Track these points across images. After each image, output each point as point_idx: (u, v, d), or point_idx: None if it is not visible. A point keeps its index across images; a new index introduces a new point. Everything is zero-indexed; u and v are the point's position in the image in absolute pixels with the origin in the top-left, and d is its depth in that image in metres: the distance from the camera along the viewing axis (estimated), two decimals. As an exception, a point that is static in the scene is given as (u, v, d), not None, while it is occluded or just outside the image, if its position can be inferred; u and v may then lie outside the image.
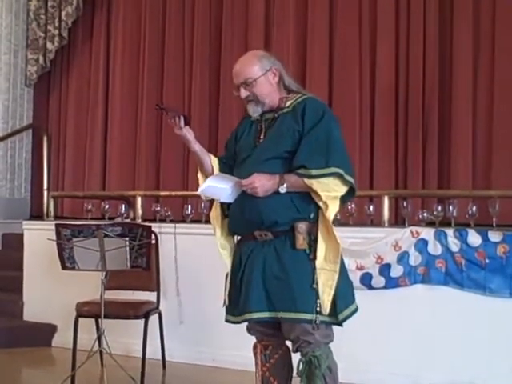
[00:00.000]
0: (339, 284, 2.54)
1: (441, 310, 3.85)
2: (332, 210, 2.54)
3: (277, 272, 2.54)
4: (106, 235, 3.74)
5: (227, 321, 2.71)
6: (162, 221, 5.00)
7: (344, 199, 2.60)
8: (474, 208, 4.04)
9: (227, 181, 2.59)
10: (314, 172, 2.50)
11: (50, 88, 6.36)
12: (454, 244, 3.82)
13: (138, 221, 4.92)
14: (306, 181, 2.50)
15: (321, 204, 2.53)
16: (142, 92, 5.81)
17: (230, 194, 2.59)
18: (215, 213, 2.74)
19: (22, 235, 5.39)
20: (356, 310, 2.61)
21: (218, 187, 2.59)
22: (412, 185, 4.69)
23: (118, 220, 5.07)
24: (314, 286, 2.51)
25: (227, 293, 2.70)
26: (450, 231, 3.87)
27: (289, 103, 2.65)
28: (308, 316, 2.50)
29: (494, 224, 3.93)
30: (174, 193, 5.28)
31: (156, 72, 5.77)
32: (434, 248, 3.87)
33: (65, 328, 4.74)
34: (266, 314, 2.56)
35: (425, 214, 4.19)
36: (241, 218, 2.59)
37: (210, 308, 4.53)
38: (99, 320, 3.96)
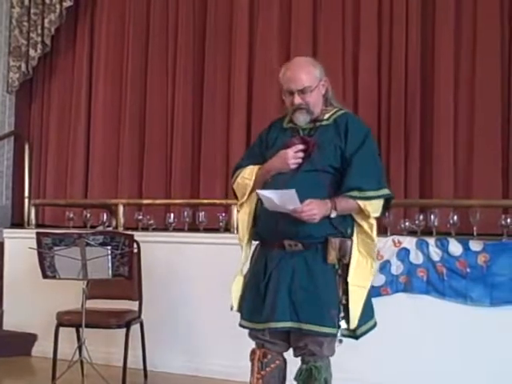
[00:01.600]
0: (364, 303, 2.60)
1: (422, 319, 3.87)
2: (375, 229, 2.63)
3: (306, 284, 2.57)
4: (87, 244, 3.72)
5: (242, 326, 2.74)
6: (145, 229, 4.99)
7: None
8: (456, 217, 4.09)
9: (284, 199, 2.50)
10: (370, 194, 2.57)
11: (32, 95, 6.33)
12: (436, 253, 3.85)
13: (120, 229, 4.90)
14: (361, 203, 2.56)
15: (365, 223, 2.60)
16: (125, 100, 5.79)
17: (274, 207, 2.55)
18: (246, 218, 2.73)
19: (2, 243, 5.35)
20: (374, 325, 2.67)
21: (274, 201, 2.52)
22: (394, 194, 4.70)
23: (100, 228, 5.05)
24: (342, 301, 2.56)
25: (240, 298, 2.74)
26: (431, 240, 3.90)
27: (327, 116, 2.69)
28: (332, 330, 2.54)
29: (475, 233, 3.96)
30: (156, 201, 5.28)
31: (139, 81, 5.75)
32: (416, 257, 3.90)
33: (45, 337, 4.71)
34: (288, 324, 2.58)
35: (407, 224, 4.22)
36: (274, 227, 2.60)
37: (194, 317, 4.53)
38: (80, 329, 3.94)
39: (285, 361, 2.73)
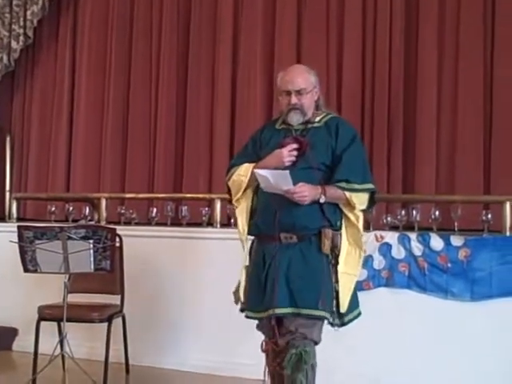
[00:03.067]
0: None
1: (404, 313, 3.90)
2: (361, 220, 2.88)
3: (302, 272, 2.78)
4: (69, 237, 3.70)
5: (248, 317, 2.91)
6: (127, 223, 4.97)
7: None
8: (437, 213, 4.12)
9: (278, 179, 2.72)
10: (356, 186, 2.82)
11: (14, 88, 6.25)
12: (417, 248, 3.88)
13: (103, 223, 4.87)
14: (347, 193, 2.80)
15: (352, 215, 2.84)
16: (108, 94, 5.75)
17: (269, 187, 2.76)
18: (245, 213, 2.93)
19: (-17, 237, 5.29)
20: (359, 314, 2.91)
21: (269, 180, 2.73)
22: (377, 190, 4.74)
23: (82, 222, 5.02)
24: (336, 287, 2.80)
25: (243, 290, 2.92)
26: (413, 235, 3.93)
27: (318, 118, 2.95)
28: (327, 315, 2.77)
29: (456, 228, 4.00)
30: (139, 195, 5.25)
31: (122, 74, 5.71)
32: (398, 252, 3.93)
33: (26, 332, 4.68)
34: (288, 310, 2.77)
35: (389, 219, 4.25)
36: (272, 220, 2.79)
37: (176, 311, 4.52)
38: (61, 323, 3.91)
39: None
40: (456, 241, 3.83)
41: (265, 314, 2.81)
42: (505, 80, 4.48)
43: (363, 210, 2.90)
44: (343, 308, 2.80)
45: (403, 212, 4.22)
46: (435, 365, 3.81)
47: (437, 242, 3.86)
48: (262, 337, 2.94)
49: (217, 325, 4.38)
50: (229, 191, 3.03)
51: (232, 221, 4.71)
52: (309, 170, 2.82)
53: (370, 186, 2.88)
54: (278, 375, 2.86)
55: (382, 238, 3.97)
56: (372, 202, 2.92)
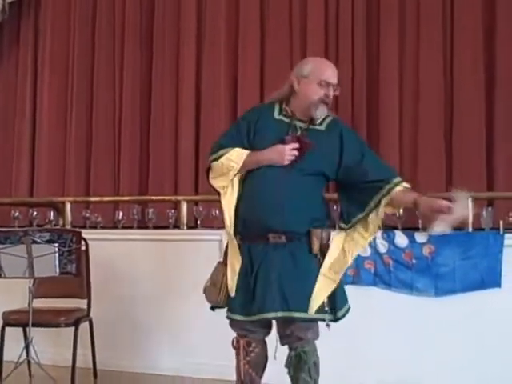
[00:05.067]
0: (338, 287, 2.77)
1: (370, 310, 3.94)
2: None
3: (294, 274, 2.70)
4: (33, 241, 3.66)
5: (234, 320, 2.80)
6: (93, 227, 4.92)
7: None
8: (401, 211, 4.17)
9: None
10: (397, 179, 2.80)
11: (-25, 92, 6.17)
12: (382, 245, 3.93)
13: (68, 227, 4.82)
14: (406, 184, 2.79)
15: (375, 216, 2.79)
16: (71, 96, 5.70)
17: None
18: (233, 206, 2.78)
19: None
20: (349, 309, 2.85)
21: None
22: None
23: (47, 227, 4.95)
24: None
25: (222, 289, 2.80)
26: (378, 233, 3.97)
27: (319, 121, 2.81)
28: (320, 316, 2.72)
29: (420, 226, 4.06)
30: (104, 198, 5.21)
31: (85, 78, 5.68)
32: (363, 249, 3.96)
33: (-10, 338, 4.59)
34: (279, 314, 2.71)
35: (354, 217, 4.28)
36: (259, 220, 2.70)
37: (143, 315, 4.50)
38: (27, 329, 3.86)
39: (265, 344, 2.89)
40: (420, 237, 3.89)
41: (255, 318, 2.74)
42: (464, 77, 4.60)
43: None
44: (311, 309, 2.70)
45: (368, 210, 4.26)
46: (403, 358, 3.87)
47: (401, 239, 3.91)
48: (231, 336, 2.94)
49: (185, 327, 4.37)
50: (208, 170, 2.86)
51: (199, 223, 4.71)
52: (308, 177, 2.75)
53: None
54: (247, 373, 2.85)
55: (347, 236, 4.00)
56: None
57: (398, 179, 2.78)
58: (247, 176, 2.80)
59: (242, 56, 5.20)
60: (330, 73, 2.80)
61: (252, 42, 5.17)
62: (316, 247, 2.73)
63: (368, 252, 3.95)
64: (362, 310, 3.93)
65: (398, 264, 3.89)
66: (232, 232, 2.77)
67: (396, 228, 4.10)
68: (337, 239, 2.83)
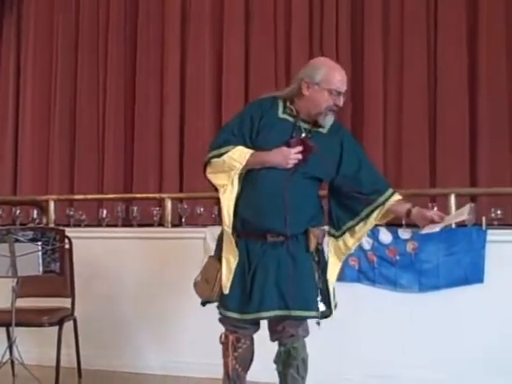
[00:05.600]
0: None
1: (355, 307, 3.94)
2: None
3: (292, 273, 2.71)
4: (16, 240, 3.62)
5: (230, 318, 2.79)
6: (77, 225, 4.90)
7: None
8: (385, 207, 4.18)
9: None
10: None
11: (-43, 90, 6.10)
12: (367, 242, 3.94)
13: (51, 226, 4.78)
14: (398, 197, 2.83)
15: (364, 225, 2.83)
16: (54, 94, 5.67)
17: None
18: (232, 204, 2.74)
19: None
20: (336, 305, 2.89)
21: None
22: (324, 185, 4.81)
23: (30, 226, 4.92)
24: (319, 285, 2.76)
25: (220, 290, 2.77)
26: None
27: (326, 129, 2.79)
28: (314, 313, 2.75)
29: (404, 222, 4.08)
30: (88, 196, 5.18)
31: (69, 76, 5.65)
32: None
33: (-26, 338, 4.55)
34: (277, 312, 2.73)
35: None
36: (258, 221, 2.70)
37: (128, 313, 4.48)
38: (10, 328, 3.83)
39: (253, 340, 2.89)
40: (404, 234, 3.91)
41: (253, 317, 2.74)
42: (448, 74, 4.64)
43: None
44: (309, 308, 2.75)
45: (352, 207, 4.28)
46: (387, 353, 3.89)
47: (385, 236, 3.93)
48: (216, 334, 2.94)
49: (170, 325, 4.36)
50: (206, 164, 2.79)
51: (183, 220, 4.70)
52: (309, 180, 2.75)
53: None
54: (234, 368, 2.85)
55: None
56: None
57: (390, 191, 2.82)
58: (248, 175, 2.76)
59: (226, 53, 5.19)
60: (342, 81, 2.75)
61: (236, 38, 5.16)
62: (313, 246, 2.75)
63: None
64: (346, 307, 3.91)
65: (382, 260, 3.91)
66: (230, 230, 2.74)
67: (379, 224, 4.11)
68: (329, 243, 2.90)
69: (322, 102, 2.71)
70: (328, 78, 2.71)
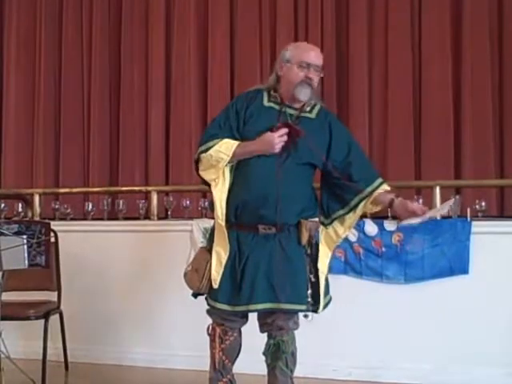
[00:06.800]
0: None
1: (341, 299, 3.94)
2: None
3: (283, 266, 2.71)
4: (1, 233, 3.60)
5: (216, 308, 2.79)
6: (62, 219, 4.88)
7: None
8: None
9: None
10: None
11: None
12: (352, 234, 3.96)
13: (37, 219, 4.76)
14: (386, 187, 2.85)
15: (353, 213, 2.85)
16: (38, 85, 5.61)
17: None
18: (224, 196, 2.76)
19: None
20: (330, 299, 2.92)
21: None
22: (316, 176, 4.83)
23: (15, 219, 4.89)
24: (311, 279, 2.76)
25: (209, 281, 2.77)
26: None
27: (309, 108, 2.84)
28: (304, 307, 2.76)
29: (389, 214, 4.10)
30: (74, 190, 5.15)
31: (53, 68, 5.60)
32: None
33: (-42, 333, 4.53)
34: (268, 305, 2.73)
35: (324, 206, 4.31)
36: (251, 210, 2.70)
37: (114, 306, 4.48)
38: (-4, 322, 3.81)
39: (240, 332, 2.91)
40: (389, 226, 3.93)
41: (243, 309, 2.75)
42: (433, 65, 4.67)
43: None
44: (300, 301, 2.76)
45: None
46: (373, 346, 3.92)
47: (371, 228, 3.95)
48: (203, 327, 2.95)
49: (156, 318, 4.36)
50: (197, 161, 2.82)
51: (169, 213, 4.69)
52: (302, 166, 2.76)
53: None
54: (220, 360, 2.86)
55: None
56: None
57: (379, 181, 2.85)
58: (239, 165, 2.78)
59: (211, 45, 5.18)
60: (310, 54, 2.81)
61: (221, 30, 5.15)
62: (305, 239, 2.75)
63: (338, 240, 3.98)
64: (333, 299, 3.99)
65: (367, 252, 3.93)
66: (223, 223, 2.75)
67: (365, 217, 4.14)
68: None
69: (294, 76, 2.78)
70: (295, 53, 2.81)
